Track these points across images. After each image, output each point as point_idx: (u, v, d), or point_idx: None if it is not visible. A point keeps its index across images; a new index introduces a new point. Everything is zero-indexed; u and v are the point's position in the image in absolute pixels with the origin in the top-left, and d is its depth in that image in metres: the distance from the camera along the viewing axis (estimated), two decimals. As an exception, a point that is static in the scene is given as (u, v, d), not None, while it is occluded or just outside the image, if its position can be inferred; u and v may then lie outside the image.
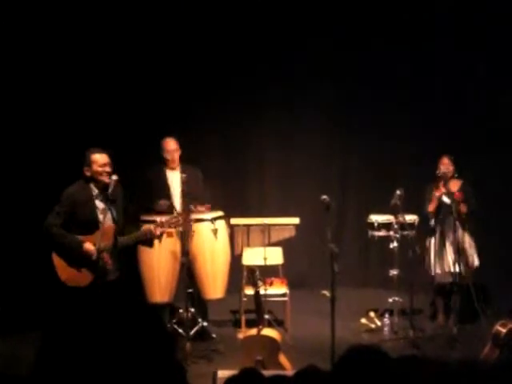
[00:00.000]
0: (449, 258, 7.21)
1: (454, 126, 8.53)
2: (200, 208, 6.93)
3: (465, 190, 7.28)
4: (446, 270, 7.22)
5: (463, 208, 7.15)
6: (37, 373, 1.51)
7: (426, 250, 7.40)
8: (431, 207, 7.25)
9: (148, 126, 8.31)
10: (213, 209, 7.12)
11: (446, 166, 7.26)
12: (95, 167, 5.83)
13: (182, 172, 6.84)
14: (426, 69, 8.77)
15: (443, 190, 7.20)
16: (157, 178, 7.11)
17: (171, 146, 7.11)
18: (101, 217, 5.81)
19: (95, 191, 5.86)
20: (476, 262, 7.32)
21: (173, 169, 7.11)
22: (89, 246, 5.73)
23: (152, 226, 6.09)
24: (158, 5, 8.45)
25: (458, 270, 7.05)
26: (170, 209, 6.85)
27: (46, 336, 1.53)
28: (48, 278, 5.89)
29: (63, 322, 1.53)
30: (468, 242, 7.29)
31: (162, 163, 7.15)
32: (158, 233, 6.04)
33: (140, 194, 6.93)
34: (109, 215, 5.81)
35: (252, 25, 8.80)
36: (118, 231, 5.85)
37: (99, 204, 5.85)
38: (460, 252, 7.05)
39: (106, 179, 5.81)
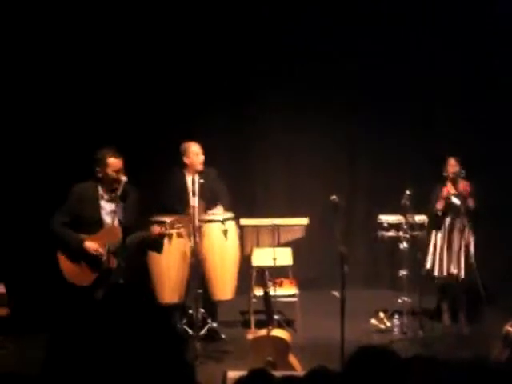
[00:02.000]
0: (454, 258, 7.21)
1: (463, 126, 8.51)
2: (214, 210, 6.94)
3: (470, 190, 7.29)
4: (451, 270, 7.23)
5: (470, 202, 7.18)
6: (45, 373, 1.52)
7: (428, 249, 7.41)
8: (440, 205, 7.26)
9: (155, 130, 8.37)
10: (229, 207, 7.12)
11: (452, 166, 7.31)
12: (109, 171, 5.83)
13: (200, 176, 6.86)
14: (434, 68, 8.75)
15: (453, 190, 7.23)
16: (177, 183, 7.05)
17: (196, 149, 7.05)
18: (106, 217, 5.85)
19: (102, 192, 5.88)
20: (473, 262, 7.32)
21: (190, 172, 7.01)
22: (89, 243, 5.77)
23: (154, 226, 6.10)
24: (177, 13, 8.54)
25: (463, 270, 7.11)
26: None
27: (55, 336, 1.53)
28: (58, 278, 5.92)
29: (71, 323, 1.54)
30: (471, 243, 7.29)
31: (182, 167, 7.08)
32: (157, 231, 6.03)
33: (160, 198, 6.99)
34: (116, 216, 5.84)
35: (258, 28, 8.80)
36: (125, 232, 5.86)
37: (105, 204, 5.88)
38: (466, 253, 7.11)
39: (115, 184, 5.83)
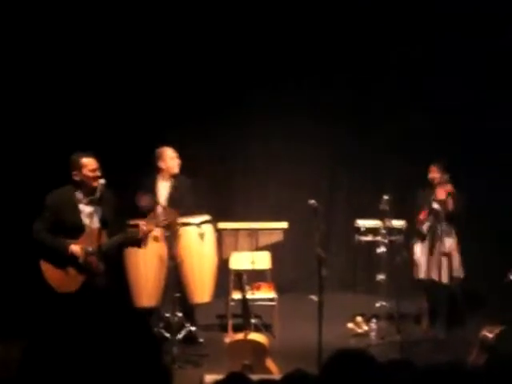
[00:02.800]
0: (435, 264, 7.24)
1: (444, 132, 8.52)
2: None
3: (452, 192, 7.31)
4: (433, 276, 7.25)
5: (450, 204, 7.14)
6: (21, 376, 1.50)
7: (413, 256, 7.44)
8: (422, 216, 7.27)
9: (137, 134, 8.32)
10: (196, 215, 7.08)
11: (432, 173, 7.35)
12: (85, 171, 5.80)
13: (173, 182, 6.91)
14: (417, 77, 8.77)
15: (433, 196, 7.25)
16: (150, 186, 7.02)
17: (171, 153, 7.06)
18: (86, 221, 5.81)
19: (80, 195, 5.83)
20: (460, 272, 7.33)
21: (164, 178, 7.03)
22: (74, 247, 5.72)
23: (140, 223, 6.08)
24: (165, 14, 8.50)
25: (444, 276, 7.14)
26: (154, 206, 6.76)
27: (32, 340, 1.51)
28: (40, 284, 5.86)
29: (49, 327, 1.52)
30: (455, 249, 7.31)
31: (155, 172, 7.07)
32: (145, 229, 6.01)
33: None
34: (95, 219, 5.80)
35: (243, 30, 8.79)
36: (106, 234, 5.82)
37: (84, 208, 5.83)
38: (447, 259, 7.14)
39: (95, 183, 5.79)
